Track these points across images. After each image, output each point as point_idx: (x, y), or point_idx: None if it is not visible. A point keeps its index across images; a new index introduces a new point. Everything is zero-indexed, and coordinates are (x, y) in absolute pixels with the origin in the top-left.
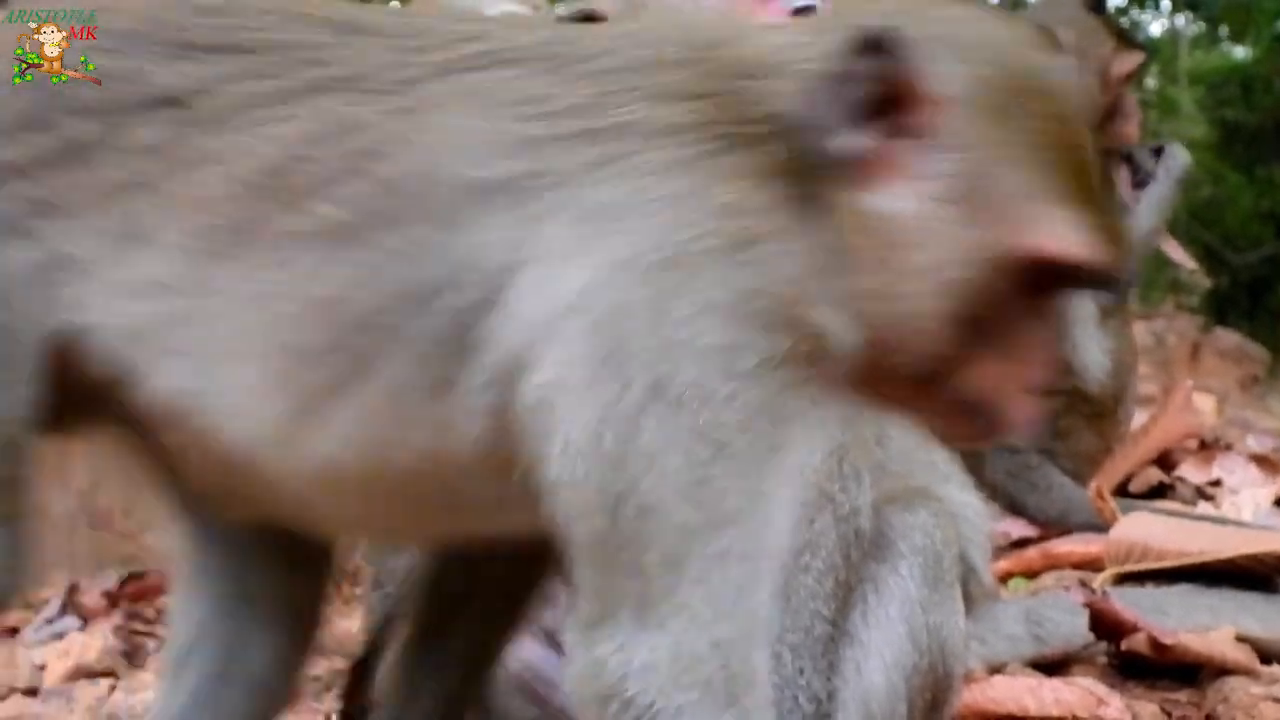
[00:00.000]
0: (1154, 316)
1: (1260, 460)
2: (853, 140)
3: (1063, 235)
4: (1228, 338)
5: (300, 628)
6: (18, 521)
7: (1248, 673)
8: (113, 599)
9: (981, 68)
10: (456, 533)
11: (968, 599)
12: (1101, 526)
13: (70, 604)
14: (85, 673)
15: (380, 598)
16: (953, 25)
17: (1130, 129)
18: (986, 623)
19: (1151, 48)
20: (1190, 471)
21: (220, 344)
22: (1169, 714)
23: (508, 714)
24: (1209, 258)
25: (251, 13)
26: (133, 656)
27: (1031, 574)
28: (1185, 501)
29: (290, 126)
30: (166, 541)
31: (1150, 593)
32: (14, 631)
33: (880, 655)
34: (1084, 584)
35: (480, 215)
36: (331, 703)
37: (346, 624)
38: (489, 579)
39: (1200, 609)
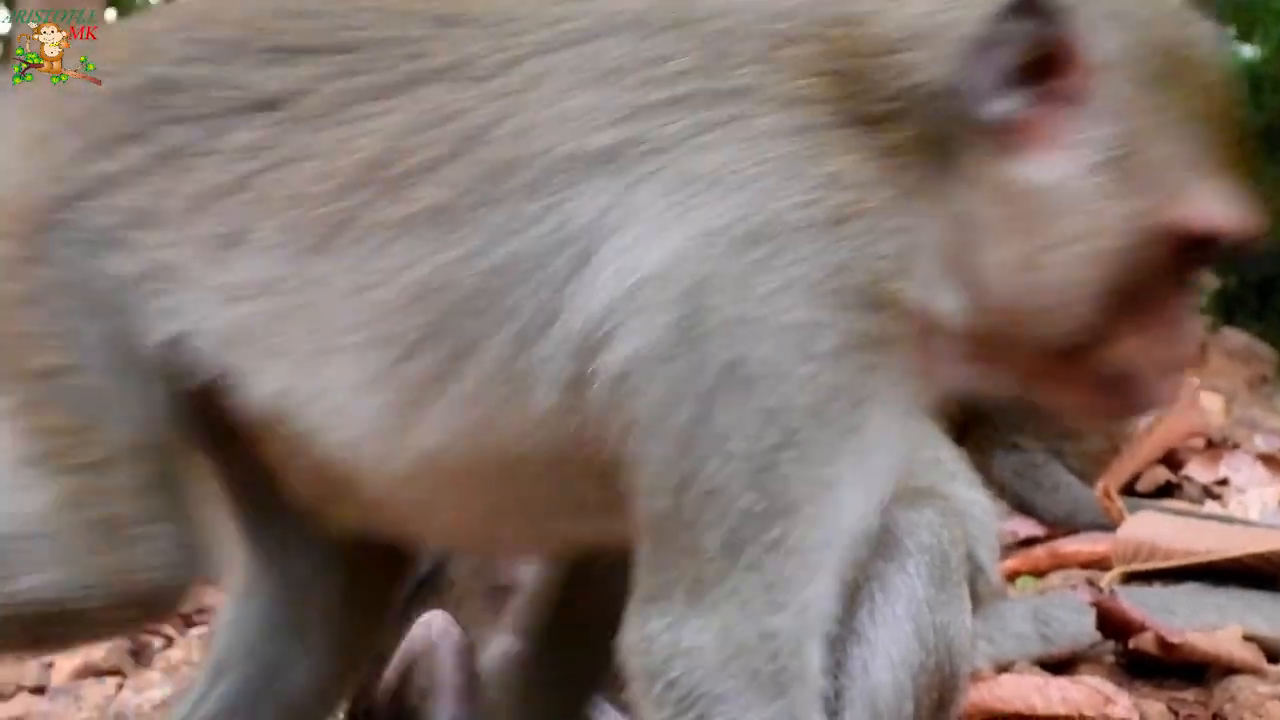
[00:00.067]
0: None
1: (1267, 459)
2: (1004, 106)
3: (1217, 207)
4: (1235, 337)
5: (346, 663)
6: (178, 521)
7: (1254, 671)
8: None
9: (1137, 33)
10: (557, 538)
11: (975, 598)
12: (1109, 526)
13: None
14: (92, 671)
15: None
16: None
17: None
18: (994, 621)
19: None
20: (1197, 471)
21: (320, 341)
22: (1176, 713)
23: None
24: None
25: (348, 13)
26: (140, 655)
27: (1039, 573)
28: (1192, 501)
29: (390, 119)
30: (225, 555)
31: (1157, 592)
32: None
33: (887, 654)
34: (1091, 583)
35: (579, 183)
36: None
37: None
38: (610, 597)
39: (1207, 608)
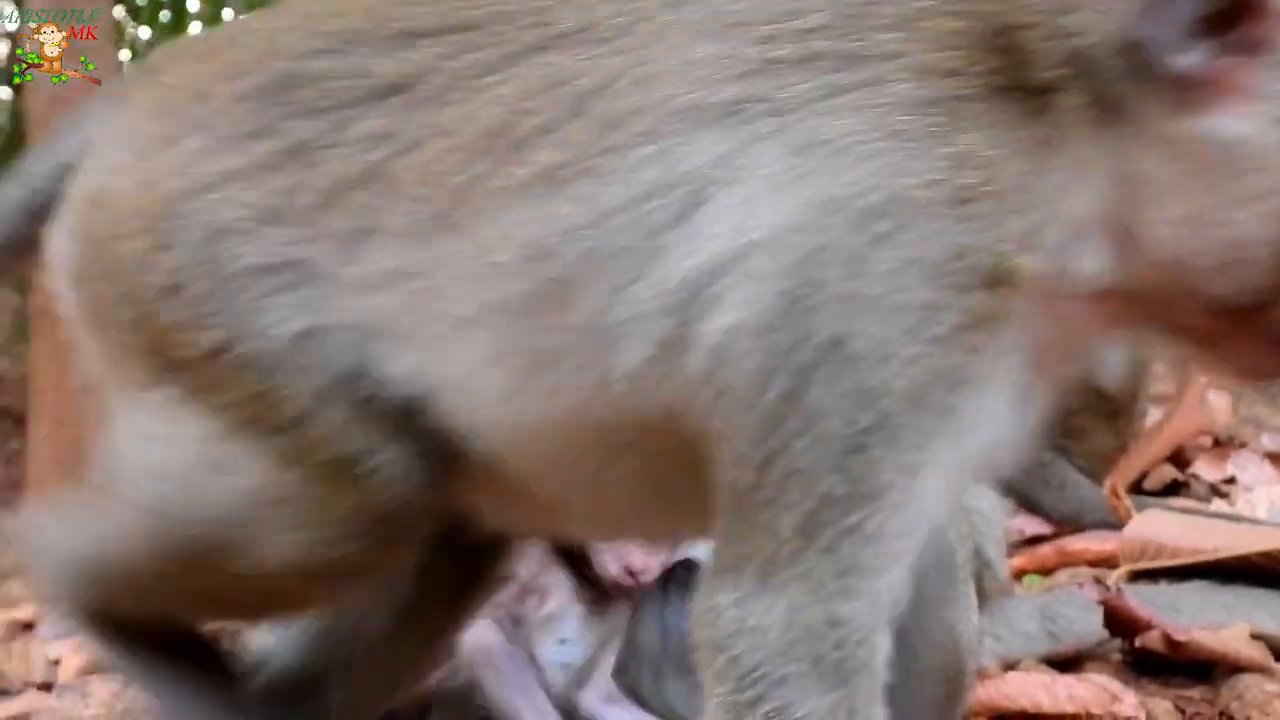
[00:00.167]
0: None
1: (1274, 458)
2: (1189, 60)
3: None
4: None
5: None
6: (396, 436)
7: (1262, 670)
8: None
9: None
10: (676, 521)
11: (982, 595)
12: (1116, 524)
13: None
14: (100, 668)
15: None
16: None
17: None
18: (1000, 619)
19: None
20: (1204, 469)
21: (448, 320)
22: (1183, 711)
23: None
24: None
25: None
26: None
27: (1046, 571)
28: (1199, 499)
29: (511, 86)
30: None
31: (1164, 590)
32: (29, 627)
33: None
34: (1098, 581)
35: (695, 131)
36: None
37: None
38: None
39: (1214, 606)
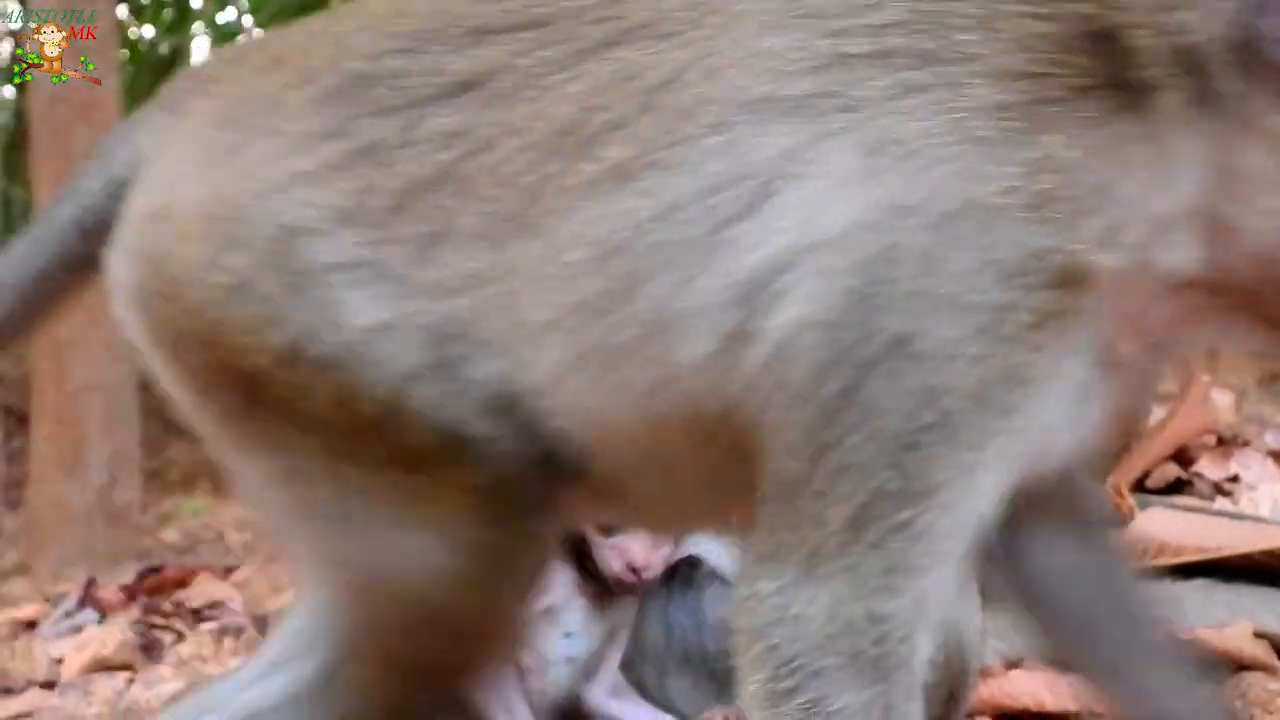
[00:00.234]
0: None
1: (1278, 456)
2: None
3: None
4: None
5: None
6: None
7: (1265, 668)
8: (130, 593)
9: None
10: (727, 510)
11: (985, 594)
12: (1119, 522)
13: (88, 598)
14: (103, 666)
15: None
16: None
17: None
18: (1004, 618)
19: None
20: (1208, 467)
21: (529, 326)
22: None
23: None
24: None
25: None
26: (150, 650)
27: None
28: (1203, 497)
29: (582, 82)
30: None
31: (1167, 588)
32: (32, 625)
33: None
34: None
35: (766, 123)
36: None
37: None
38: None
39: (1217, 604)
